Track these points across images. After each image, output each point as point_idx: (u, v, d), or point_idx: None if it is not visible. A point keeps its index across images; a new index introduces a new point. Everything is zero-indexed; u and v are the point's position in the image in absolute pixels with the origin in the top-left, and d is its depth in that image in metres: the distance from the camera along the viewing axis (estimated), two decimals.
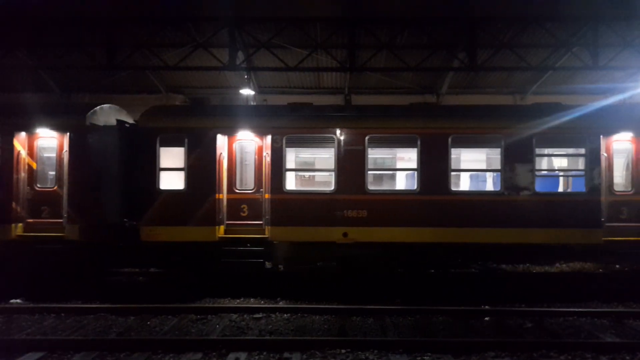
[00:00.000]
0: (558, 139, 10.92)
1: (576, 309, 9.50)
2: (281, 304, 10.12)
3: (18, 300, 10.50)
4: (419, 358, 7.17)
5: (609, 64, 12.76)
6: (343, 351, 7.37)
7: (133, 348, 7.45)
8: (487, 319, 9.28)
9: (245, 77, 17.31)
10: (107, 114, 11.48)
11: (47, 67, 15.33)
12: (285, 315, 9.39)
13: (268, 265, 11.66)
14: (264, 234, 10.76)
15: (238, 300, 10.58)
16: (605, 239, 10.52)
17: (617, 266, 12.30)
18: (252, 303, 10.37)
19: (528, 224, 10.55)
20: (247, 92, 17.84)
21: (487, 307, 10.03)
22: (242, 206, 10.88)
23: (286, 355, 7.24)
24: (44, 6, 12.71)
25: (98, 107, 11.29)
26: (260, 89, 18.57)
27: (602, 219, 10.59)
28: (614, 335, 8.30)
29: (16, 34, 13.14)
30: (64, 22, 12.96)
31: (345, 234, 10.64)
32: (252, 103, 18.17)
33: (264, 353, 7.32)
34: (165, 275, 12.34)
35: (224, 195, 10.88)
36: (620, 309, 9.83)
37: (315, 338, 7.94)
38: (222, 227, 10.83)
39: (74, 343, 7.59)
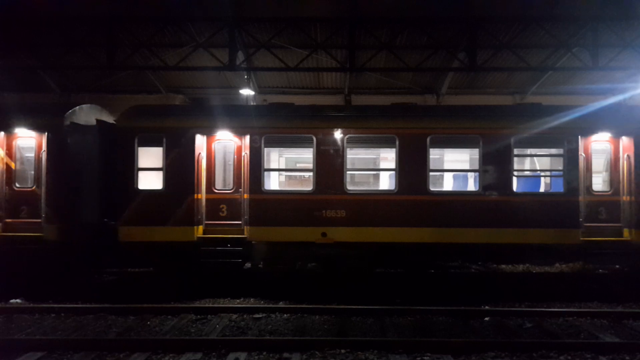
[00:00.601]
0: (536, 139, 10.93)
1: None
2: (281, 304, 10.11)
3: (18, 300, 10.50)
4: (419, 358, 7.18)
5: (608, 65, 12.76)
6: (343, 351, 7.37)
7: (133, 348, 7.45)
8: (487, 318, 9.29)
9: (245, 77, 17.31)
10: (87, 114, 11.44)
11: (47, 67, 15.31)
12: (285, 315, 9.39)
13: (247, 265, 11.63)
14: (243, 234, 10.76)
15: (238, 301, 10.59)
16: (584, 239, 10.56)
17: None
18: (252, 303, 10.37)
19: (506, 224, 10.58)
20: (247, 92, 17.84)
21: (486, 307, 10.05)
22: (221, 206, 10.86)
23: (286, 355, 7.24)
24: (44, 6, 12.72)
25: (77, 107, 11.26)
26: (260, 89, 18.57)
27: (580, 219, 10.61)
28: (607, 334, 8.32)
29: (16, 33, 13.14)
30: (64, 22, 12.96)
31: (324, 234, 10.65)
32: (252, 103, 18.18)
33: (264, 353, 7.33)
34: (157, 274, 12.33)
35: (202, 195, 10.87)
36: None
37: (315, 338, 7.94)
38: (200, 227, 10.81)
39: (74, 343, 7.59)
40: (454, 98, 18.02)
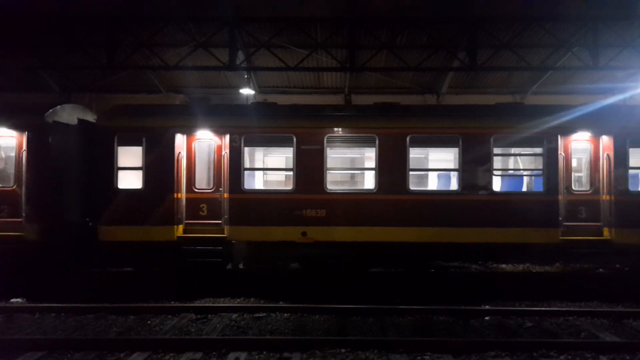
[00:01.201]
0: (516, 139, 10.95)
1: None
2: (281, 304, 10.11)
3: (18, 300, 10.51)
4: (419, 358, 7.18)
5: (609, 64, 12.77)
6: (343, 350, 7.37)
7: (133, 347, 7.45)
8: (487, 318, 9.29)
9: (246, 77, 17.31)
10: (70, 114, 11.39)
11: (47, 67, 15.31)
12: (285, 314, 9.39)
13: (229, 266, 11.62)
14: (223, 234, 10.74)
15: (238, 300, 10.59)
16: (563, 238, 10.57)
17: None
18: (253, 302, 10.37)
19: (486, 223, 10.59)
20: (247, 91, 17.85)
21: (487, 306, 10.06)
22: (201, 205, 10.85)
23: (286, 354, 7.24)
24: (44, 6, 12.71)
25: (59, 106, 11.23)
26: (260, 89, 18.57)
27: (560, 219, 10.63)
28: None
29: (16, 33, 13.14)
30: (64, 22, 12.96)
31: (304, 234, 10.65)
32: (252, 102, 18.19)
33: (264, 352, 7.33)
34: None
35: (182, 195, 10.84)
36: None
37: (316, 338, 7.94)
38: (180, 227, 10.79)
39: (74, 342, 7.59)
40: (454, 98, 18.01)
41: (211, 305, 9.91)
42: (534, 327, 8.78)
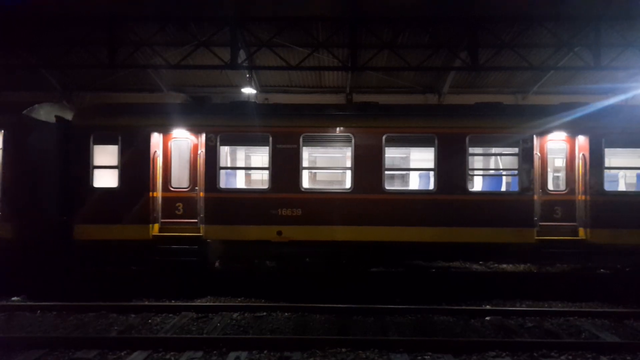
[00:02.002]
0: (492, 138, 10.99)
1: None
2: (282, 303, 10.10)
3: (19, 298, 10.53)
4: (420, 357, 7.19)
5: (611, 64, 12.72)
6: (344, 350, 7.38)
7: (134, 346, 7.47)
8: (488, 318, 9.30)
9: (247, 76, 17.29)
10: (48, 113, 11.37)
11: (48, 65, 15.31)
12: (285, 314, 9.40)
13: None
14: (199, 233, 10.72)
15: (239, 299, 10.60)
16: (539, 238, 10.58)
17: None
18: (253, 302, 10.38)
19: (461, 223, 10.60)
20: (248, 90, 17.83)
21: (487, 306, 10.06)
22: (177, 204, 10.85)
23: (287, 354, 7.25)
24: (45, 4, 12.72)
25: (37, 105, 11.21)
26: (262, 88, 18.56)
27: (535, 218, 10.63)
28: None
29: (17, 32, 13.14)
30: (66, 20, 12.95)
31: (279, 233, 10.64)
32: (253, 101, 18.18)
33: (265, 352, 7.34)
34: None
35: (158, 194, 10.84)
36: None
37: (316, 337, 7.95)
38: (156, 226, 10.78)
39: (75, 341, 7.61)
40: (455, 97, 17.97)
41: (212, 304, 9.93)
42: (535, 327, 8.78)
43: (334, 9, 13.36)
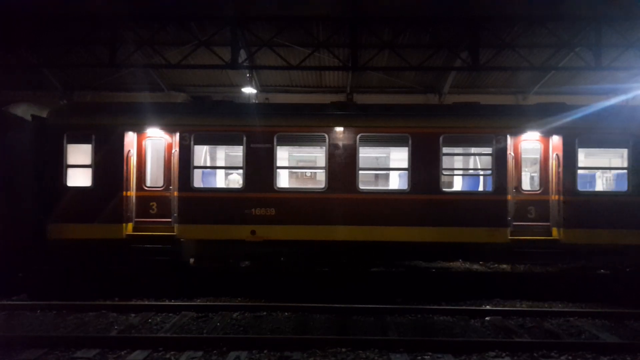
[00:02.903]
0: (465, 138, 11.02)
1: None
2: (282, 303, 10.11)
3: (20, 297, 10.54)
4: (420, 357, 7.19)
5: (611, 65, 12.72)
6: (344, 350, 7.38)
7: (134, 345, 7.47)
8: (488, 318, 9.30)
9: (248, 75, 17.30)
10: (24, 112, 11.28)
11: (49, 64, 15.32)
12: (286, 313, 9.40)
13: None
14: (173, 232, 10.69)
15: (239, 299, 10.60)
16: (512, 237, 10.58)
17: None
18: (253, 301, 10.38)
19: (435, 222, 10.60)
20: (249, 90, 17.84)
21: (487, 306, 10.06)
22: (151, 204, 10.82)
23: (287, 353, 7.25)
24: (46, 3, 12.72)
25: (13, 103, 11.16)
26: (262, 88, 18.56)
27: (509, 218, 10.63)
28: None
29: (18, 31, 13.15)
30: (66, 20, 12.96)
31: (253, 232, 10.61)
32: (254, 101, 18.18)
33: (265, 351, 7.34)
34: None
35: (132, 193, 10.81)
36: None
37: (316, 337, 7.95)
38: (130, 225, 10.75)
39: (75, 340, 7.61)
40: (456, 97, 17.91)
41: (212, 303, 9.93)
42: (535, 327, 8.78)
43: (334, 8, 13.34)
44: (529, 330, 8.67)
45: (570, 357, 7.21)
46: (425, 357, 7.20)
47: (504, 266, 13.67)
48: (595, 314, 9.42)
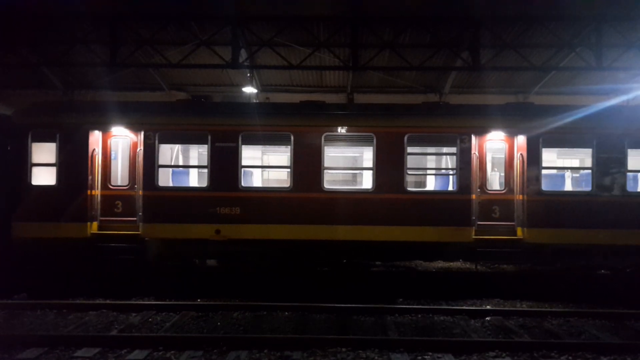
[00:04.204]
0: (430, 138, 11.07)
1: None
2: (282, 303, 10.11)
3: (20, 296, 10.54)
4: (420, 357, 7.19)
5: (612, 65, 12.70)
6: (344, 349, 7.38)
7: (134, 345, 7.48)
8: (488, 318, 9.30)
9: (248, 75, 17.28)
10: None
11: (49, 64, 15.31)
12: (286, 313, 9.41)
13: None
14: (138, 231, 10.68)
15: (239, 299, 10.59)
16: (476, 237, 10.60)
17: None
18: (253, 301, 10.38)
19: (399, 222, 10.60)
20: (249, 90, 17.83)
21: (488, 306, 10.07)
22: (116, 202, 10.81)
23: (287, 353, 7.25)
24: (46, 3, 12.71)
25: None
26: (263, 87, 18.54)
27: (473, 217, 10.66)
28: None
29: (19, 30, 13.14)
30: (67, 19, 12.96)
31: (217, 231, 10.60)
32: (254, 101, 18.18)
33: (265, 351, 7.34)
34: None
35: (97, 192, 10.81)
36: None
37: (316, 336, 7.95)
38: (95, 224, 10.74)
39: (76, 339, 7.62)
40: (456, 97, 17.96)
41: (212, 303, 9.93)
42: (535, 328, 8.77)
43: (335, 8, 13.32)
44: (529, 330, 8.67)
45: (570, 358, 7.21)
46: (426, 357, 7.20)
47: (504, 266, 13.68)
48: (596, 314, 9.41)
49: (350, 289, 10.95)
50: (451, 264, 13.95)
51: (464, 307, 9.89)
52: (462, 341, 7.74)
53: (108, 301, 10.07)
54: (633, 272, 11.15)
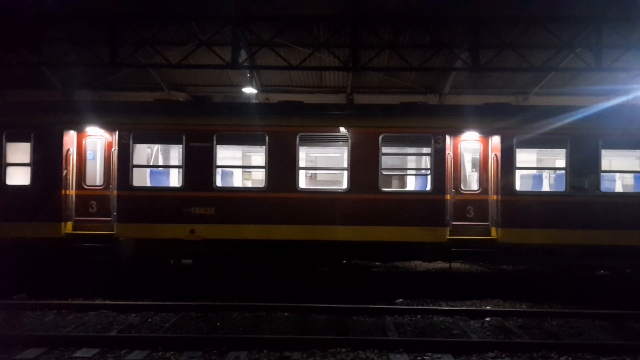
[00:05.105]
0: (405, 138, 11.06)
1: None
2: (282, 303, 10.11)
3: (20, 296, 10.53)
4: (419, 357, 7.18)
5: (612, 66, 12.72)
6: (343, 350, 7.38)
7: (134, 345, 7.47)
8: (488, 319, 9.30)
9: (248, 75, 17.30)
10: None
11: (49, 63, 15.31)
12: (285, 313, 9.40)
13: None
14: (112, 231, 10.66)
15: (238, 299, 10.59)
16: (451, 237, 10.60)
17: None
18: (253, 301, 10.37)
19: (374, 222, 10.60)
20: (249, 90, 17.85)
21: (488, 307, 10.07)
22: (91, 202, 10.80)
23: (286, 353, 7.24)
24: (46, 2, 12.72)
25: None
26: (262, 88, 18.56)
27: (448, 218, 10.66)
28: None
29: (19, 30, 13.15)
30: (67, 19, 12.97)
31: (192, 231, 10.59)
32: (254, 101, 18.18)
33: (264, 351, 7.33)
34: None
35: (72, 191, 10.79)
36: None
37: (316, 337, 7.94)
38: (69, 224, 10.72)
39: (75, 339, 7.61)
40: (456, 98, 17.98)
41: (212, 303, 9.93)
42: (535, 328, 8.77)
43: (335, 8, 13.35)
44: (528, 330, 8.66)
45: (570, 358, 7.21)
46: (425, 357, 7.19)
47: (504, 267, 13.68)
48: (595, 314, 9.41)
49: (351, 289, 10.95)
50: (451, 264, 13.93)
51: (464, 308, 9.89)
52: (462, 342, 7.74)
53: (107, 301, 10.05)
54: (632, 273, 11.16)
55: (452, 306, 10.07)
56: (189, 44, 13.31)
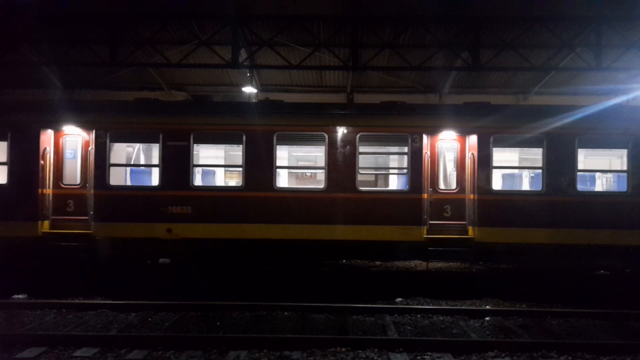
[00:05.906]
0: (382, 137, 11.07)
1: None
2: (282, 302, 10.12)
3: (20, 296, 10.54)
4: (419, 357, 7.19)
5: (612, 65, 12.72)
6: (343, 349, 7.38)
7: (133, 344, 7.48)
8: (487, 318, 9.30)
9: (248, 74, 17.30)
10: None
11: (49, 63, 15.32)
12: (285, 313, 9.41)
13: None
14: (89, 230, 10.65)
15: (238, 299, 10.59)
16: (428, 236, 10.61)
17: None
18: (253, 301, 10.38)
19: (351, 221, 10.59)
20: (249, 89, 17.84)
21: (488, 307, 10.07)
22: (68, 201, 10.79)
23: (286, 353, 7.25)
24: (46, 2, 12.72)
25: None
26: (262, 87, 18.55)
27: (425, 217, 10.66)
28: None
29: (19, 29, 13.15)
30: (67, 18, 12.96)
31: (169, 230, 10.57)
32: (254, 100, 18.17)
33: (264, 351, 7.34)
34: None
35: (49, 190, 10.77)
36: None
37: (316, 336, 7.95)
38: (47, 223, 10.70)
39: (75, 339, 7.61)
40: (456, 97, 17.94)
41: (211, 303, 9.93)
42: (535, 328, 8.78)
43: (335, 8, 13.35)
44: (528, 330, 8.67)
45: (569, 358, 7.21)
46: (425, 356, 7.20)
47: (504, 266, 13.69)
48: (595, 314, 9.41)
49: (350, 288, 10.96)
50: (451, 264, 13.94)
51: (464, 307, 9.90)
52: (462, 341, 7.75)
53: (107, 301, 10.06)
54: (632, 273, 11.17)
55: (452, 305, 10.07)
56: (189, 43, 13.31)
